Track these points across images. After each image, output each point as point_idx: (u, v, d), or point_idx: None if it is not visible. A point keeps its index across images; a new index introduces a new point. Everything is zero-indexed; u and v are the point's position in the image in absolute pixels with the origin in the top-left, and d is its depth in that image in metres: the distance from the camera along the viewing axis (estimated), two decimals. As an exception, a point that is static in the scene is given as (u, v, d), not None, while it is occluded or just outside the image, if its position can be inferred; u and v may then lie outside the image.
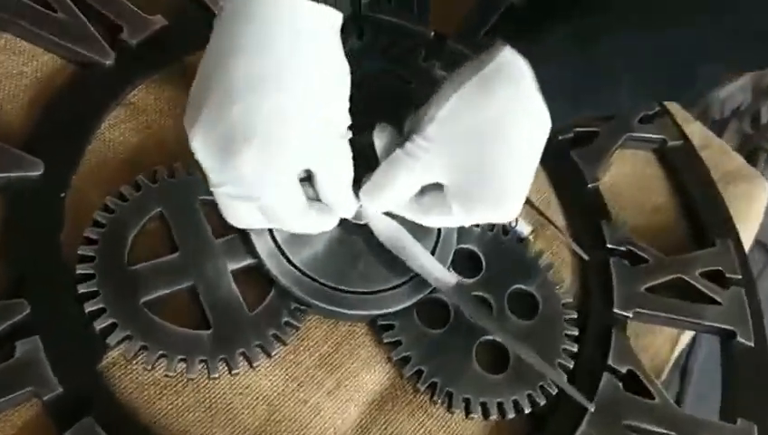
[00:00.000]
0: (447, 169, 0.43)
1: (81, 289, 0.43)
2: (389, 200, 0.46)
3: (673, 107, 0.66)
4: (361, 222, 0.48)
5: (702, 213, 0.61)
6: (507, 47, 0.41)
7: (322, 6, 0.37)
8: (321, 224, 0.46)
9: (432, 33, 0.63)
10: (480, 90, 0.42)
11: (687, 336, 0.57)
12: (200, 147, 0.39)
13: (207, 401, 0.44)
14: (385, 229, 0.49)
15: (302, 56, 0.38)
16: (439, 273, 0.49)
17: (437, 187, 0.45)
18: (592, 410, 0.47)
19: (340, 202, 0.46)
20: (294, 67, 0.38)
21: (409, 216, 0.47)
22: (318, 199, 0.45)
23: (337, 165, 0.43)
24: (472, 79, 0.42)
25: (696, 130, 0.67)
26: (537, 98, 0.41)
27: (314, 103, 0.39)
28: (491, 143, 0.42)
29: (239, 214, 0.42)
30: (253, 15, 0.37)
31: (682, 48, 0.41)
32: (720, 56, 0.42)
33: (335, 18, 0.39)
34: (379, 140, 0.46)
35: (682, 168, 0.63)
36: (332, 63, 0.40)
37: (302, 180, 0.44)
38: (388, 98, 0.58)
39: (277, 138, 0.38)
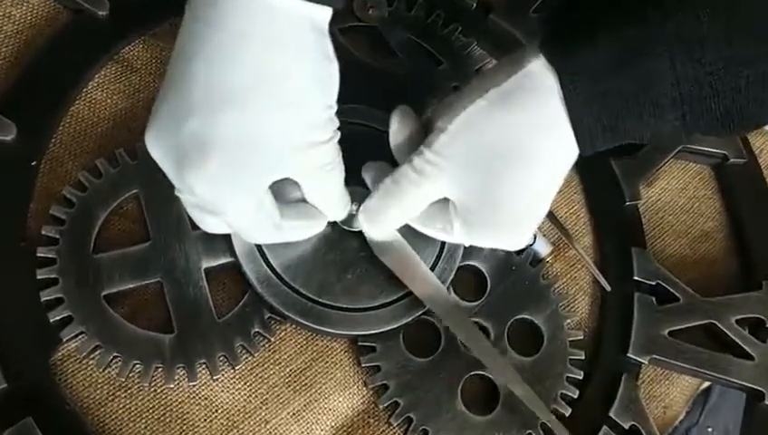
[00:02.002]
0: (455, 185, 0.38)
1: (40, 275, 0.40)
2: (394, 221, 0.42)
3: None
4: (355, 229, 0.44)
5: (755, 247, 0.53)
6: (538, 59, 0.35)
7: (303, 6, 0.31)
8: (302, 233, 0.41)
9: (474, 5, 0.55)
10: (498, 105, 0.36)
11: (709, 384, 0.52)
12: (155, 154, 0.34)
13: (162, 407, 0.41)
14: (380, 237, 0.44)
15: (273, 68, 0.32)
16: (435, 291, 0.44)
17: (444, 198, 0.39)
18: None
19: (330, 208, 0.41)
20: (263, 81, 0.32)
21: (410, 222, 0.42)
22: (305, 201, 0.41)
23: (321, 173, 0.38)
24: (490, 91, 0.36)
25: (768, 146, 0.58)
26: (563, 122, 0.35)
27: (286, 116, 0.33)
28: (505, 166, 0.37)
29: (205, 223, 0.38)
30: (219, 20, 0.31)
31: (749, 77, 0.33)
32: None
33: (321, 16, 0.33)
34: (394, 125, 0.41)
35: (739, 189, 0.55)
36: (313, 69, 0.34)
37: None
38: (413, 79, 0.51)
39: (238, 159, 0.33)
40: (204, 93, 0.32)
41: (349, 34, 0.52)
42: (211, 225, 0.38)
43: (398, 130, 0.41)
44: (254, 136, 0.33)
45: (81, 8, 0.47)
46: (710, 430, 0.71)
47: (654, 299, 0.49)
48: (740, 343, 0.49)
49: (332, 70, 0.35)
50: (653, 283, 0.49)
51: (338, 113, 0.36)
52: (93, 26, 0.47)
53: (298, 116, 0.34)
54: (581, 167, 0.53)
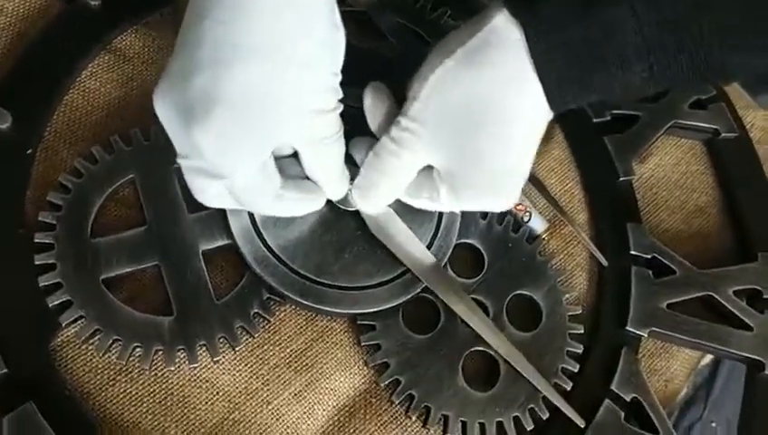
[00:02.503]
0: (434, 150, 0.39)
1: (38, 260, 0.40)
2: (385, 195, 0.42)
3: (734, 91, 0.58)
4: (351, 208, 0.44)
5: (749, 220, 0.53)
6: (501, 12, 0.35)
7: None
8: (302, 207, 0.42)
9: (463, -13, 0.55)
10: (466, 64, 0.36)
11: (710, 358, 0.52)
12: (161, 112, 0.35)
13: (163, 391, 0.41)
14: (375, 213, 0.44)
15: (285, 28, 0.33)
16: (430, 267, 0.44)
17: (428, 167, 0.40)
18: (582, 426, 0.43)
19: (330, 182, 0.41)
20: (271, 37, 0.33)
21: (401, 197, 0.43)
22: (306, 177, 0.41)
23: (324, 143, 0.38)
24: (457, 51, 0.36)
25: (759, 121, 0.58)
26: (532, 76, 0.35)
27: (294, 78, 0.34)
28: (480, 124, 0.37)
29: (206, 192, 0.38)
30: None
31: (711, 23, 0.33)
32: (750, 45, 0.34)
33: None
34: (368, 100, 0.41)
35: (732, 164, 0.55)
36: (323, 34, 0.35)
37: (290, 156, 0.40)
38: (402, 60, 0.52)
39: (243, 116, 0.34)
40: (214, 50, 0.33)
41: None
42: (211, 194, 0.38)
43: (372, 105, 0.41)
44: (261, 93, 0.33)
45: (73, -2, 0.47)
46: (713, 425, 0.71)
47: (651, 272, 0.49)
48: (738, 314, 0.49)
49: (340, 37, 0.36)
50: (649, 256, 0.49)
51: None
52: (86, 16, 0.47)
53: (306, 78, 0.34)
54: (575, 144, 0.53)
